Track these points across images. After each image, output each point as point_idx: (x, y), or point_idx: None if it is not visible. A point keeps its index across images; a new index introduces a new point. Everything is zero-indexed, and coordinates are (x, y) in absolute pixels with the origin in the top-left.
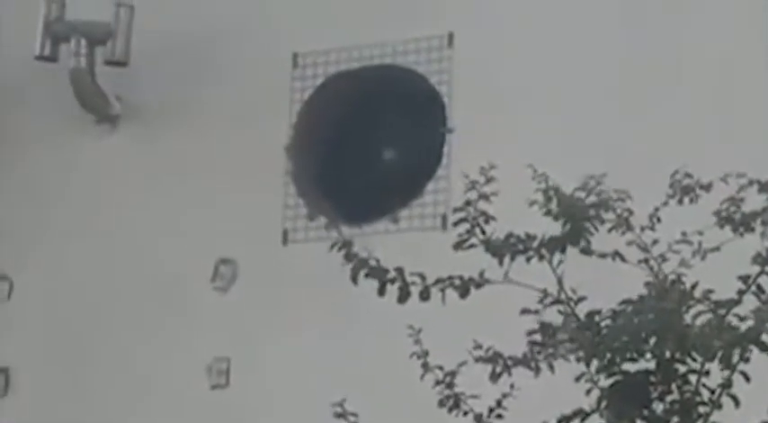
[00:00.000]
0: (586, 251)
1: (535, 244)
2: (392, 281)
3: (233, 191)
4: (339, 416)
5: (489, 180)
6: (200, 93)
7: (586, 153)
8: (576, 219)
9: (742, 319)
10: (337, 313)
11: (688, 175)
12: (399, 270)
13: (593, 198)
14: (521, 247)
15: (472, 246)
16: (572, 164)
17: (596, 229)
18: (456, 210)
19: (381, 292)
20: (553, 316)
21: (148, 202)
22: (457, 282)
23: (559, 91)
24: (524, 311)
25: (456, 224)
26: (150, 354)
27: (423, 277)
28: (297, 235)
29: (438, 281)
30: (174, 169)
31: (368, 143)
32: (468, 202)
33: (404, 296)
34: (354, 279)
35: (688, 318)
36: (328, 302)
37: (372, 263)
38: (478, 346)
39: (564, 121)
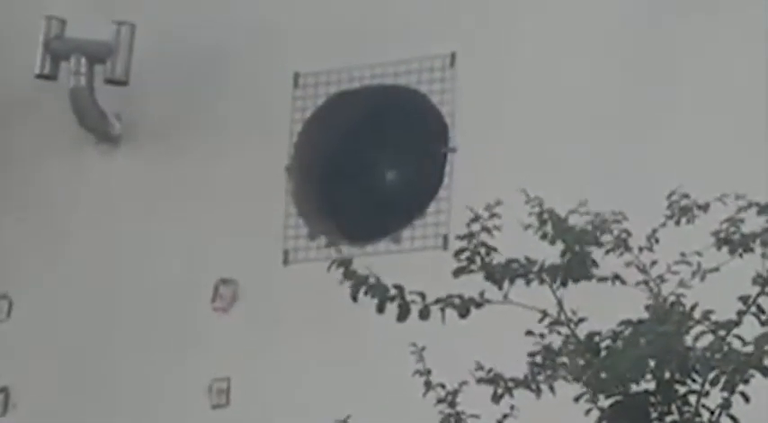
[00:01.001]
0: (587, 277)
1: (535, 269)
2: (392, 299)
3: (233, 210)
4: None
5: (493, 215)
6: (201, 112)
7: (588, 173)
8: (577, 246)
9: (744, 341)
10: (338, 333)
11: (685, 196)
12: (399, 288)
13: (589, 221)
14: (520, 271)
15: (471, 271)
16: (573, 184)
17: (596, 264)
18: (459, 237)
19: (381, 309)
20: (552, 337)
21: (148, 222)
22: (456, 301)
23: (561, 111)
24: (529, 333)
25: (457, 254)
26: (151, 373)
27: (422, 296)
28: (297, 255)
29: (438, 300)
30: (175, 188)
31: (369, 163)
32: (471, 234)
33: (404, 314)
34: (354, 296)
35: (689, 339)
36: (329, 322)
37: (372, 280)
38: (480, 368)
39: (566, 141)
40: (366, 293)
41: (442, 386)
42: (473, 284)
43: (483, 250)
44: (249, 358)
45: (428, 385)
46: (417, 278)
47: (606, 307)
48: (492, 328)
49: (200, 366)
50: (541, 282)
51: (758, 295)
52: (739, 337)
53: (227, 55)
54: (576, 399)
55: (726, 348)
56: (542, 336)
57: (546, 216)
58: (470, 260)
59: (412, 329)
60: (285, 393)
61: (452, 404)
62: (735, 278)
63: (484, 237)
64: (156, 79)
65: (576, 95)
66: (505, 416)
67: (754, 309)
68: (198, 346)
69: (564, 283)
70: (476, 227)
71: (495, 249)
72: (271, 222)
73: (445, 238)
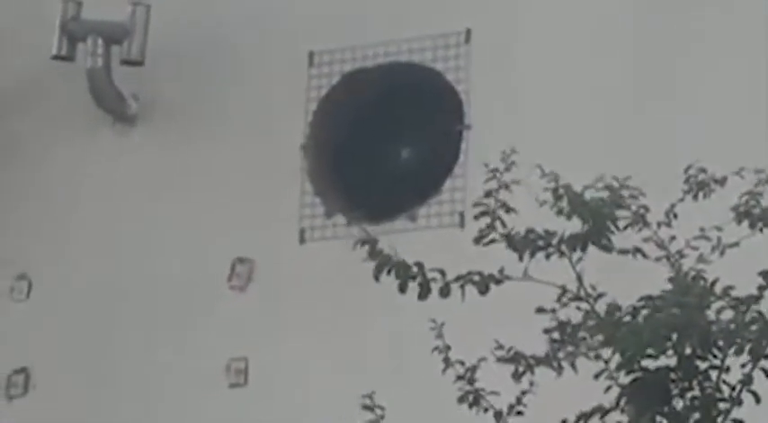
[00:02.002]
0: (607, 248)
1: (555, 240)
2: (413, 277)
3: (249, 190)
4: (366, 408)
5: (509, 167)
6: (217, 92)
7: (603, 149)
8: (596, 217)
9: (762, 314)
10: (354, 311)
11: (703, 171)
12: (420, 266)
13: (606, 195)
14: (541, 243)
15: (493, 240)
16: (589, 160)
17: (618, 227)
18: (476, 204)
19: (403, 288)
20: (572, 312)
21: (165, 201)
22: (476, 278)
23: (576, 87)
24: (540, 311)
25: (477, 217)
26: (168, 353)
27: (443, 273)
28: (314, 234)
29: (458, 277)
30: (191, 168)
31: (384, 141)
32: (488, 193)
33: (425, 292)
34: (378, 276)
35: (710, 314)
36: (345, 301)
37: (396, 259)
38: (500, 347)
39: (581, 117)
40: (389, 273)
41: (461, 363)
42: (490, 262)
43: (502, 211)
44: (266, 337)
45: (447, 362)
46: (434, 256)
47: (625, 283)
48: (513, 305)
49: (218, 346)
50: (561, 255)
51: None
52: (760, 313)
53: (242, 34)
54: (597, 376)
55: (749, 318)
56: (554, 311)
57: (561, 191)
58: (490, 226)
59: (429, 306)
60: (303, 372)
61: (471, 381)
62: (755, 253)
63: (503, 195)
64: (171, 59)
65: (591, 71)
66: (524, 393)
67: None
68: (215, 325)
69: (584, 249)
70: (493, 184)
71: (513, 209)
72: (287, 201)
73: (461, 215)
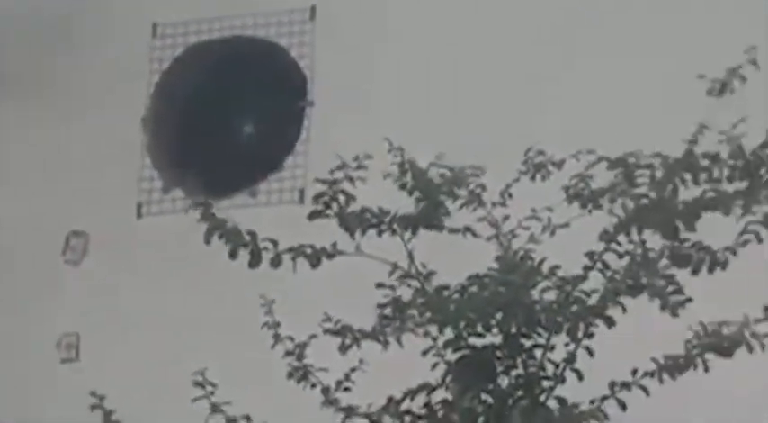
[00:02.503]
0: (437, 227)
1: (387, 219)
2: (245, 245)
3: (87, 162)
4: (198, 384)
5: (360, 167)
6: (58, 62)
7: (446, 129)
8: (431, 196)
9: (588, 294)
10: (191, 286)
11: (541, 153)
12: (252, 234)
13: (448, 174)
14: (373, 221)
15: (326, 216)
16: (431, 139)
17: (448, 210)
18: (319, 180)
19: (233, 255)
20: (403, 290)
21: None
22: (308, 251)
23: (421, 65)
24: (380, 285)
25: (316, 198)
26: (0, 326)
27: (275, 243)
28: (151, 208)
29: (290, 249)
30: (28, 139)
31: (227, 115)
32: (334, 181)
33: (255, 261)
34: (208, 240)
35: (535, 293)
36: (182, 276)
37: (229, 225)
38: (328, 319)
39: (424, 96)
40: (220, 238)
41: (291, 339)
42: (330, 240)
43: (342, 198)
44: (100, 312)
45: (276, 338)
46: (273, 232)
47: (457, 262)
48: (346, 280)
49: (50, 320)
50: (393, 232)
51: (603, 251)
52: (585, 293)
53: (85, 4)
54: (424, 353)
55: (571, 298)
56: (393, 288)
57: (407, 166)
58: (327, 205)
59: (267, 282)
60: (136, 348)
61: (300, 357)
62: (586, 234)
63: (345, 185)
64: (10, 30)
65: (436, 48)
66: (353, 369)
67: (599, 264)
68: (48, 299)
69: (415, 231)
70: (339, 174)
71: (353, 198)
72: (125, 175)
73: (302, 192)
